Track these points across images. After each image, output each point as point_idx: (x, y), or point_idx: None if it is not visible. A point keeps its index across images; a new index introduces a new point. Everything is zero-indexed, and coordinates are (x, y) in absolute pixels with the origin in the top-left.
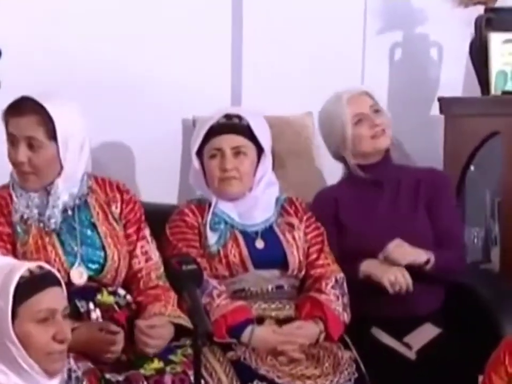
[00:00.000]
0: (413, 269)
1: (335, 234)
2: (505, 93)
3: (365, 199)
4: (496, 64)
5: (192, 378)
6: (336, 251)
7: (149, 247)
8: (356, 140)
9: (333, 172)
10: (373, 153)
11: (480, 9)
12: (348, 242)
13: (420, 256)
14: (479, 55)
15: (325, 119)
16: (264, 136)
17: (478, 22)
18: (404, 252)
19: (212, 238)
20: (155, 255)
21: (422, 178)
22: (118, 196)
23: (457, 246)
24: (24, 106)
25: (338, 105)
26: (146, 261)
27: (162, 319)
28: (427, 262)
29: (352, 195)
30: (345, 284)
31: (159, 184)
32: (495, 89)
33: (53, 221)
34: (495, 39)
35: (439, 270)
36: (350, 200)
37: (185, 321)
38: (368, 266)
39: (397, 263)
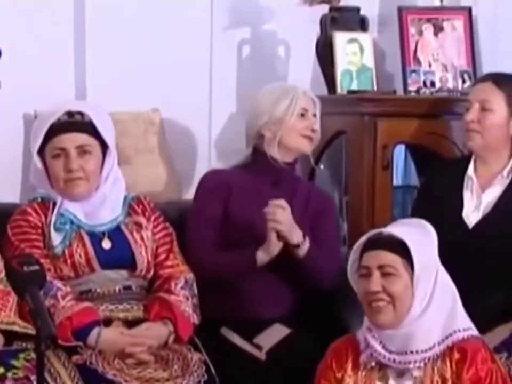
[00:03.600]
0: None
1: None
2: (350, 92)
3: (259, 193)
4: (341, 64)
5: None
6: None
7: None
8: (289, 128)
9: (185, 168)
10: (291, 151)
11: (325, 8)
12: (233, 230)
13: (298, 233)
14: (324, 54)
15: (271, 94)
16: (108, 132)
17: (323, 21)
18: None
19: (56, 238)
20: None
21: (312, 197)
22: None
23: (334, 256)
24: None
25: (293, 90)
26: None
27: None
28: (300, 244)
29: (247, 185)
30: (194, 285)
31: None
32: (341, 89)
33: None
34: (340, 38)
35: (309, 261)
36: (244, 189)
37: (20, 327)
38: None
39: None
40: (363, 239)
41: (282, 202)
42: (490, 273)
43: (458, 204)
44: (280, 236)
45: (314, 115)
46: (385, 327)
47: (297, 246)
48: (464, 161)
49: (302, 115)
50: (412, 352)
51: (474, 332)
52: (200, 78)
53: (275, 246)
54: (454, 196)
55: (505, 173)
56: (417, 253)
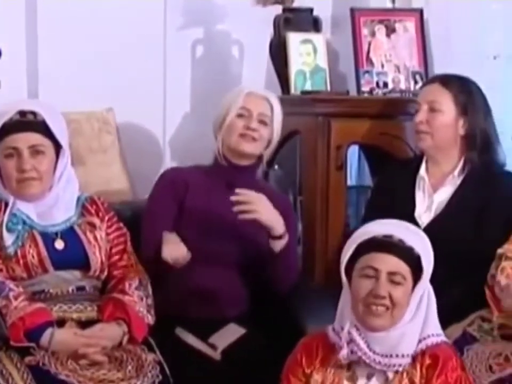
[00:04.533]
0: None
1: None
2: (304, 92)
3: (212, 194)
4: (295, 64)
5: None
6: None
7: None
8: (229, 129)
9: (139, 168)
10: (235, 152)
11: (278, 9)
12: (187, 228)
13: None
14: (278, 54)
15: (223, 99)
16: (61, 132)
17: (276, 22)
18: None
19: (8, 239)
20: None
21: (270, 200)
22: None
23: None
24: None
25: (236, 92)
26: None
27: None
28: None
29: (203, 185)
30: (149, 285)
31: None
32: (294, 89)
33: None
34: (293, 39)
35: (284, 257)
36: (199, 189)
37: None
38: None
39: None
40: (367, 236)
41: (252, 192)
42: (443, 272)
43: (411, 204)
44: (262, 226)
45: (261, 115)
46: (378, 330)
47: (280, 237)
48: (416, 161)
49: (241, 115)
50: (397, 356)
51: (445, 338)
52: (154, 77)
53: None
54: (406, 196)
55: (456, 173)
56: (427, 264)
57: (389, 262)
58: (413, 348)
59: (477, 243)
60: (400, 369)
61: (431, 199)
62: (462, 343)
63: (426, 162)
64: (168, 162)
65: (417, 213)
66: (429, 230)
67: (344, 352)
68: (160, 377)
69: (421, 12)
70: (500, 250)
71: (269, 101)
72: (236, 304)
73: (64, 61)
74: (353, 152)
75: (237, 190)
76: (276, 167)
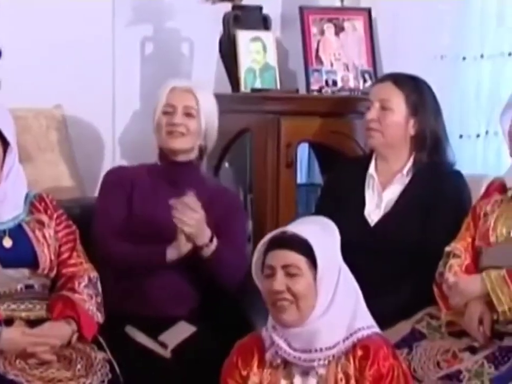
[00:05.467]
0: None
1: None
2: (254, 90)
3: (157, 193)
4: (244, 62)
5: None
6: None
7: None
8: (158, 127)
9: (88, 166)
10: (169, 151)
11: (228, 6)
12: (137, 227)
13: (205, 234)
14: (228, 52)
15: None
16: (8, 129)
17: (226, 19)
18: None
19: None
20: None
21: (218, 196)
22: None
23: (241, 255)
24: None
25: (162, 89)
26: None
27: None
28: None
29: (147, 184)
30: (99, 283)
31: None
32: (244, 87)
33: None
34: (243, 37)
35: (216, 261)
36: (145, 187)
37: None
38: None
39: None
40: (267, 238)
41: (190, 200)
42: (392, 270)
43: (360, 202)
44: (187, 237)
45: (187, 108)
46: (290, 326)
47: (202, 247)
48: (366, 159)
49: (166, 112)
50: (316, 350)
51: (377, 329)
52: (103, 75)
53: (184, 246)
54: (356, 194)
55: (404, 171)
56: (320, 252)
57: (282, 256)
58: (334, 341)
59: (425, 241)
60: (322, 363)
61: (380, 197)
62: (410, 339)
63: (376, 160)
64: (118, 160)
65: (367, 211)
66: (378, 228)
67: (268, 355)
68: (110, 375)
69: (369, 11)
70: (447, 248)
71: (193, 92)
72: (186, 302)
73: (11, 57)
74: (303, 150)
75: (173, 201)
76: (226, 164)
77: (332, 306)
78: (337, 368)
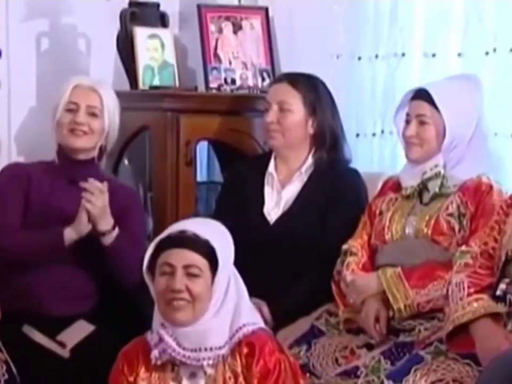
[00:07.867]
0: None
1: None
2: (152, 87)
3: (55, 190)
4: (142, 59)
5: None
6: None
7: None
8: (59, 124)
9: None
10: (69, 148)
11: (124, 2)
12: (34, 223)
13: (108, 221)
14: (125, 49)
15: (55, 93)
16: None
17: (122, 16)
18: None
19: None
20: None
21: (116, 193)
22: None
23: (139, 251)
24: None
25: (65, 85)
26: None
27: None
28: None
29: (46, 181)
30: None
31: None
32: (143, 84)
33: None
34: (141, 34)
35: (115, 251)
36: (42, 185)
37: None
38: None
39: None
40: (164, 234)
41: (102, 185)
42: (291, 268)
43: (260, 200)
44: (89, 219)
45: (92, 107)
46: (182, 325)
47: (103, 234)
48: (265, 158)
49: (69, 110)
50: (205, 349)
51: (261, 324)
52: None
53: (84, 226)
54: (255, 192)
55: (303, 170)
56: (221, 255)
57: (183, 256)
58: (223, 340)
59: (322, 239)
60: (211, 362)
61: (279, 196)
62: (310, 336)
63: (275, 159)
64: (14, 157)
65: (266, 209)
66: (277, 226)
67: (155, 352)
68: (7, 376)
69: (266, 10)
70: (344, 246)
71: (97, 91)
72: (84, 300)
73: None
74: (203, 148)
75: (85, 184)
76: (126, 162)
77: (222, 308)
78: (225, 367)
